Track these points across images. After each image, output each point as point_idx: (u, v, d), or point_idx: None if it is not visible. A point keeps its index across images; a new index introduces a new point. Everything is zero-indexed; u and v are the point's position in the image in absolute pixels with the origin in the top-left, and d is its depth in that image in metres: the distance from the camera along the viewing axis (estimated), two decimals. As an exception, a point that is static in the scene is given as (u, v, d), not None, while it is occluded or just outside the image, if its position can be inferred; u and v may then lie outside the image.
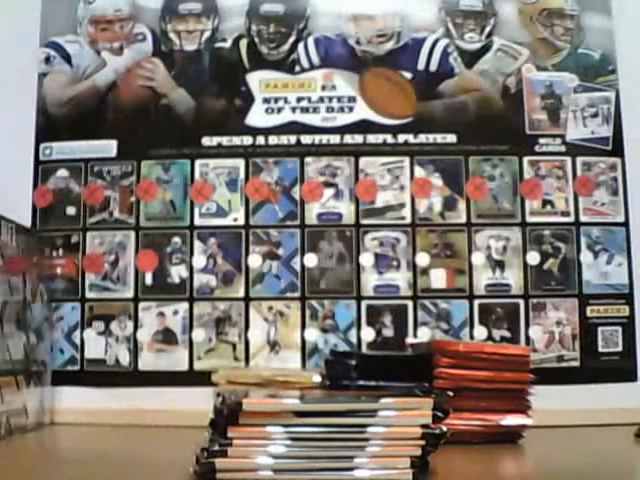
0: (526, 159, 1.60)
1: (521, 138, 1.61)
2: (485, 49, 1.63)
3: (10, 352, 1.32)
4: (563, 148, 1.61)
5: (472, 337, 1.54)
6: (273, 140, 1.61)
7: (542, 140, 1.61)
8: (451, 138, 1.60)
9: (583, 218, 1.58)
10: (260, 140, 1.61)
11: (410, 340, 1.52)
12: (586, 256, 1.57)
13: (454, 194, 1.59)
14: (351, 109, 1.61)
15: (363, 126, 1.61)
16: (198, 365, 1.54)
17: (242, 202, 1.59)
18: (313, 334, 1.55)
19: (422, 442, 0.87)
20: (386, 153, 1.60)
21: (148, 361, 1.55)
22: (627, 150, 1.60)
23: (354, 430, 0.87)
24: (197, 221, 1.59)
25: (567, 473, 1.00)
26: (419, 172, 1.60)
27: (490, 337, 1.55)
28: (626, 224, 1.58)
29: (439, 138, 1.60)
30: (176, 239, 1.58)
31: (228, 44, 1.64)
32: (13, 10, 1.64)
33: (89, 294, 1.57)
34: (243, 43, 1.64)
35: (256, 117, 1.61)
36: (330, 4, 1.65)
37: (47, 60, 1.64)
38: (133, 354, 1.55)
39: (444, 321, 1.55)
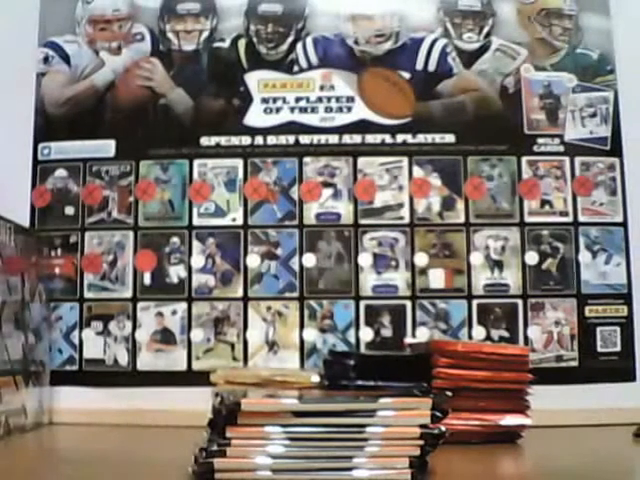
0: (524, 159, 1.60)
1: (519, 138, 1.61)
2: (483, 49, 1.63)
3: (9, 352, 1.32)
4: (562, 148, 1.61)
5: (471, 337, 1.54)
6: (272, 140, 1.61)
7: (540, 140, 1.61)
8: (449, 138, 1.60)
9: (582, 218, 1.58)
10: (259, 140, 1.61)
11: (409, 340, 1.52)
12: (585, 256, 1.57)
13: (452, 194, 1.59)
14: (349, 109, 1.62)
15: (362, 126, 1.61)
16: (197, 365, 1.54)
17: (241, 202, 1.59)
18: (312, 334, 1.55)
19: (421, 442, 0.87)
20: (385, 153, 1.60)
21: (147, 361, 1.55)
22: (625, 150, 1.60)
23: (353, 430, 0.87)
24: (196, 221, 1.59)
25: (566, 473, 1.00)
26: (417, 172, 1.60)
27: (489, 337, 1.55)
28: (624, 224, 1.58)
29: (437, 138, 1.60)
30: (175, 239, 1.58)
31: (226, 44, 1.64)
32: (12, 10, 1.64)
33: (88, 294, 1.57)
34: (241, 43, 1.64)
35: (254, 117, 1.61)
36: (328, 4, 1.65)
37: (45, 60, 1.63)
38: (132, 354, 1.55)
39: (443, 321, 1.55)
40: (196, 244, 1.58)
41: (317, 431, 0.86)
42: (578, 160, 1.60)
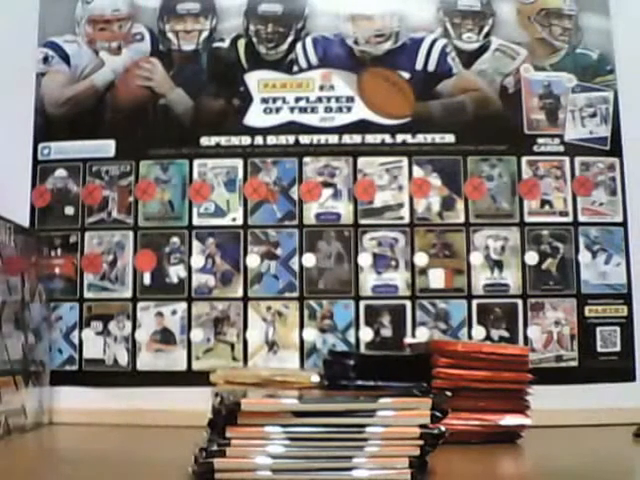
0: (524, 159, 1.60)
1: (519, 138, 1.61)
2: (483, 49, 1.63)
3: (8, 352, 1.32)
4: (561, 148, 1.61)
5: (470, 337, 1.54)
6: (271, 140, 1.61)
7: (540, 140, 1.61)
8: (449, 138, 1.60)
9: (581, 218, 1.58)
10: (258, 140, 1.61)
11: (408, 340, 1.52)
12: (584, 256, 1.57)
13: (452, 194, 1.59)
14: (349, 109, 1.62)
15: (361, 126, 1.61)
16: (196, 365, 1.54)
17: (240, 202, 1.59)
18: (311, 334, 1.55)
19: (420, 442, 0.87)
20: (384, 153, 1.60)
21: (146, 361, 1.55)
22: (625, 150, 1.60)
23: (352, 430, 0.87)
24: (195, 221, 1.59)
25: (566, 473, 1.00)
26: (417, 172, 1.60)
27: (488, 337, 1.55)
28: (624, 224, 1.58)
29: (437, 138, 1.60)
30: (174, 239, 1.58)
31: (226, 44, 1.64)
32: (11, 10, 1.64)
33: (87, 294, 1.57)
34: (241, 43, 1.64)
35: (254, 117, 1.61)
36: (328, 4, 1.65)
37: (45, 60, 1.63)
38: (131, 354, 1.55)
39: (442, 321, 1.55)
40: (196, 244, 1.58)
41: (317, 431, 0.86)
42: (578, 160, 1.60)
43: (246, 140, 1.61)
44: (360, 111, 1.61)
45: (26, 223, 1.55)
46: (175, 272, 1.57)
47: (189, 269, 1.57)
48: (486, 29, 1.64)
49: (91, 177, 1.61)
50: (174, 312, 1.56)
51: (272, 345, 1.55)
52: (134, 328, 1.56)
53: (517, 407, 1.26)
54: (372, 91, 1.62)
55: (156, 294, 1.57)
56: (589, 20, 1.64)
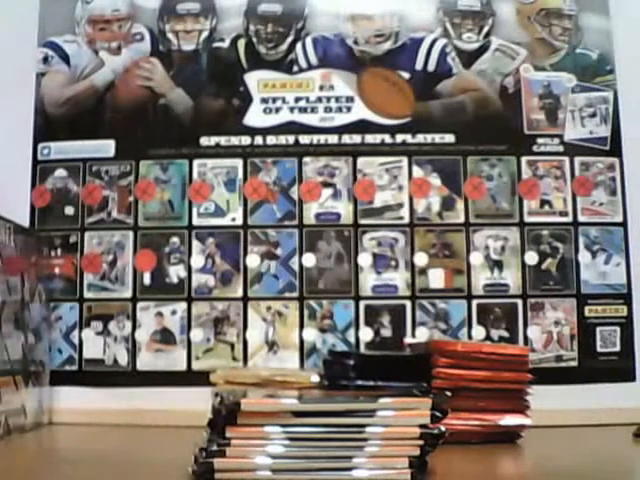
0: (524, 159, 1.60)
1: (519, 138, 1.61)
2: (483, 49, 1.63)
3: (8, 352, 1.32)
4: (561, 148, 1.61)
5: (470, 337, 1.54)
6: (271, 140, 1.61)
7: (540, 140, 1.61)
8: (449, 138, 1.60)
9: (581, 218, 1.58)
10: (258, 140, 1.61)
11: (408, 340, 1.52)
12: (584, 256, 1.57)
13: (452, 194, 1.59)
14: (349, 109, 1.62)
15: (361, 126, 1.61)
16: (196, 365, 1.54)
17: (240, 202, 1.59)
18: (311, 334, 1.55)
19: (420, 442, 0.87)
20: (384, 153, 1.60)
21: (146, 361, 1.55)
22: (625, 150, 1.60)
23: (352, 430, 0.87)
24: (195, 221, 1.59)
25: (566, 473, 1.00)
26: (417, 172, 1.60)
27: (488, 337, 1.55)
28: (624, 224, 1.58)
29: (437, 138, 1.60)
30: (174, 239, 1.58)
31: (226, 44, 1.64)
32: (11, 10, 1.64)
33: (87, 294, 1.57)
34: (241, 43, 1.64)
35: (254, 117, 1.61)
36: (328, 4, 1.65)
37: (45, 60, 1.63)
38: (131, 354, 1.55)
39: (442, 321, 1.55)
40: (196, 244, 1.58)
41: (317, 431, 0.86)
42: (578, 160, 1.60)
43: (246, 140, 1.61)
44: (360, 111, 1.61)
45: (26, 223, 1.55)
46: (175, 272, 1.57)
47: (189, 269, 1.57)
48: (486, 29, 1.64)
49: (91, 177, 1.61)
50: (174, 312, 1.56)
51: (272, 345, 1.55)
52: (134, 328, 1.56)
53: (517, 407, 1.26)
54: (372, 91, 1.62)
55: (156, 294, 1.57)
56: (589, 20, 1.64)
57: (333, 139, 1.60)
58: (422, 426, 0.87)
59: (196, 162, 1.60)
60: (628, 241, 1.57)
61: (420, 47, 1.63)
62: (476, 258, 1.57)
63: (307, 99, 1.62)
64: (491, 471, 1.05)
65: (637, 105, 1.60)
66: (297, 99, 1.62)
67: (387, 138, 1.60)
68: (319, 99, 1.62)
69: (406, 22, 1.64)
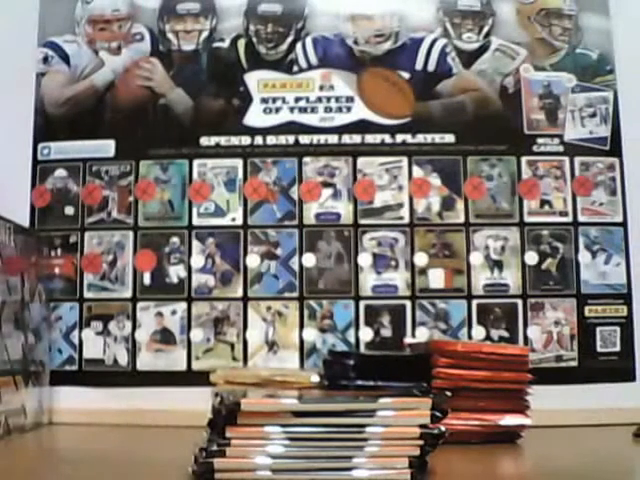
0: (524, 159, 1.60)
1: (519, 138, 1.61)
2: (483, 49, 1.63)
3: (8, 352, 1.32)
4: (561, 148, 1.61)
5: (470, 337, 1.54)
6: (271, 140, 1.61)
7: (540, 140, 1.61)
8: (449, 138, 1.60)
9: (581, 218, 1.58)
10: (258, 140, 1.61)
11: (408, 340, 1.52)
12: (584, 256, 1.57)
13: (452, 194, 1.59)
14: (349, 109, 1.62)
15: (361, 126, 1.61)
16: (196, 365, 1.54)
17: (240, 202, 1.59)
18: (311, 334, 1.55)
19: (420, 442, 0.87)
20: (384, 153, 1.60)
21: (146, 361, 1.55)
22: (625, 150, 1.60)
23: (352, 430, 0.87)
24: (195, 221, 1.59)
25: (566, 473, 1.00)
26: (417, 172, 1.60)
27: (488, 337, 1.55)
28: (624, 224, 1.58)
29: (437, 138, 1.60)
30: (174, 239, 1.58)
31: (226, 44, 1.64)
32: (11, 10, 1.64)
33: (87, 294, 1.57)
34: (241, 43, 1.64)
35: (254, 117, 1.61)
36: (328, 4, 1.65)
37: (45, 60, 1.63)
38: (131, 354, 1.55)
39: (442, 321, 1.55)
40: (196, 244, 1.58)
41: (317, 431, 0.86)
42: (578, 160, 1.60)
43: (246, 140, 1.61)
44: (360, 111, 1.61)
45: (26, 223, 1.55)
46: (175, 272, 1.57)
47: (189, 269, 1.57)
48: (486, 29, 1.64)
49: (91, 177, 1.61)
50: (174, 312, 1.56)
51: (272, 345, 1.55)
52: (134, 328, 1.56)
53: (517, 407, 1.26)
54: (372, 91, 1.62)
55: (156, 294, 1.57)
56: (589, 20, 1.64)
57: (333, 139, 1.60)
58: (422, 426, 0.87)
59: (196, 162, 1.60)
60: (628, 241, 1.57)
61: (420, 47, 1.63)
62: (476, 258, 1.57)
63: (307, 99, 1.62)
64: (491, 471, 1.05)
65: (637, 105, 1.60)
66: (297, 99, 1.62)
67: (387, 138, 1.60)
68: (319, 99, 1.62)
69: (406, 22, 1.64)
